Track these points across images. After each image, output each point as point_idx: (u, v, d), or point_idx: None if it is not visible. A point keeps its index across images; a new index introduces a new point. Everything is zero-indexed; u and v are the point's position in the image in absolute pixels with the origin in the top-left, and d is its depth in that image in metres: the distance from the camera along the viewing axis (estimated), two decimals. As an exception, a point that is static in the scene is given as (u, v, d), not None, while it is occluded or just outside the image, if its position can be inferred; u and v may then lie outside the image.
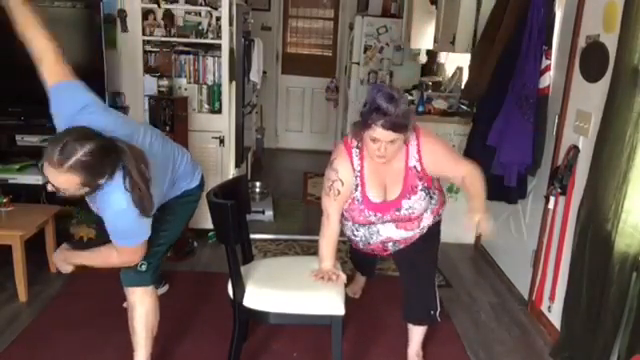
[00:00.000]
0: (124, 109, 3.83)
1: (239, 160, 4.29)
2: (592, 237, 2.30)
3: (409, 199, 2.21)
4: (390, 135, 1.99)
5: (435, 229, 2.41)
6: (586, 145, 2.56)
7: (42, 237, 3.06)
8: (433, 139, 2.24)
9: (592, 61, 2.53)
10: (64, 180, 1.69)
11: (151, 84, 3.63)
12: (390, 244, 2.35)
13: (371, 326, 2.83)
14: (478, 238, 3.97)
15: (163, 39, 3.67)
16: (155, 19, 3.65)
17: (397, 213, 2.23)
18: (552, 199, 2.78)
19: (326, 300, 2.17)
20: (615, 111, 2.16)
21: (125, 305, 2.24)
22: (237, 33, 3.91)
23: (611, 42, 2.32)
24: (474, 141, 3.41)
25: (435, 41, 4.68)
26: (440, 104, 4.16)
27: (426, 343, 2.57)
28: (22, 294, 2.87)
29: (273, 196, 4.73)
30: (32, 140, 3.42)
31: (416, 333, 2.49)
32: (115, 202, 1.79)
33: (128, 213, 1.79)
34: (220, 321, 2.61)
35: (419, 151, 2.17)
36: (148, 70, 3.70)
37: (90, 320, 2.73)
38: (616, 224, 2.15)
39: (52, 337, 2.58)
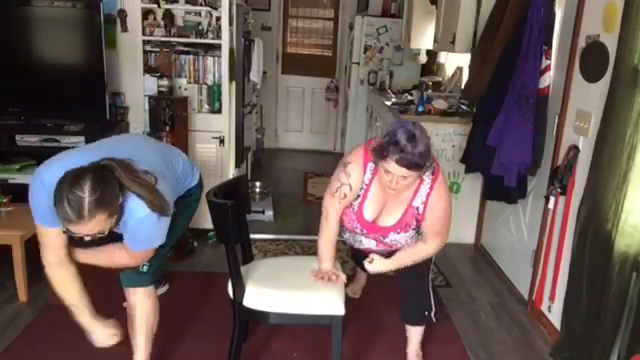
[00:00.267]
0: (124, 109, 3.84)
1: (239, 160, 4.29)
2: (592, 237, 2.30)
3: (398, 234, 2.24)
4: (404, 172, 1.99)
5: None
6: (586, 145, 2.56)
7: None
8: (446, 192, 2.23)
9: (592, 61, 2.53)
10: (94, 225, 1.68)
11: (151, 84, 3.62)
12: (374, 249, 2.37)
13: (371, 326, 2.83)
14: (478, 238, 3.98)
15: (163, 39, 3.67)
16: (155, 19, 3.64)
17: (381, 238, 2.28)
18: (552, 199, 2.78)
19: (326, 300, 2.17)
20: (615, 111, 2.16)
21: (125, 305, 2.24)
22: (237, 33, 3.91)
23: (611, 42, 2.32)
24: (474, 141, 3.41)
25: (435, 41, 4.68)
26: (440, 104, 4.15)
27: (426, 343, 2.57)
28: (22, 294, 2.87)
29: (273, 196, 4.73)
30: (32, 140, 3.41)
31: (414, 333, 2.50)
32: (136, 210, 1.79)
33: (150, 218, 1.80)
34: (220, 321, 2.61)
35: (429, 194, 2.16)
36: (148, 70, 3.70)
37: (90, 320, 2.73)
38: (616, 224, 2.16)
39: (52, 337, 2.58)
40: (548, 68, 2.89)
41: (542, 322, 2.93)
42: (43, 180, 1.79)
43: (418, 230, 2.26)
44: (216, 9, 3.62)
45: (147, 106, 3.54)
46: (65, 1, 3.37)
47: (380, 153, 2.02)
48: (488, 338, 2.82)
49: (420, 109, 4.13)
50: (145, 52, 3.69)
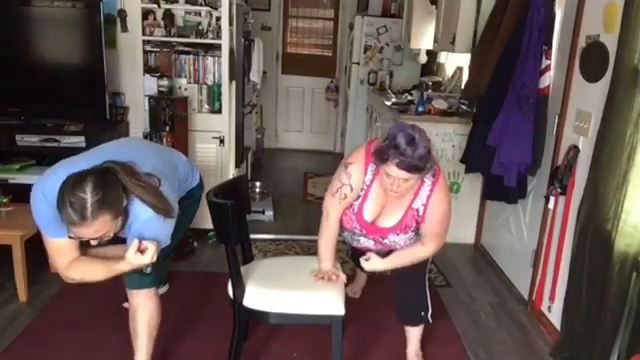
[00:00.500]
0: (124, 109, 3.84)
1: (239, 160, 4.29)
2: (592, 237, 2.30)
3: (397, 235, 2.24)
4: (404, 175, 1.99)
5: None
6: (586, 145, 2.56)
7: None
8: (446, 194, 2.23)
9: (592, 61, 2.53)
10: (99, 227, 1.68)
11: (151, 84, 3.63)
12: (372, 248, 2.37)
13: (371, 326, 2.83)
14: (478, 238, 3.98)
15: (163, 39, 3.67)
16: (155, 19, 3.64)
17: (380, 239, 2.28)
18: (552, 199, 2.78)
19: (326, 300, 2.17)
20: (615, 111, 2.16)
21: (125, 305, 2.24)
22: (237, 33, 3.91)
23: (611, 42, 2.32)
24: (474, 141, 3.41)
25: (435, 41, 4.68)
26: (440, 104, 4.15)
27: (426, 343, 2.57)
28: (22, 294, 2.87)
29: (273, 196, 4.73)
30: (32, 140, 3.41)
31: (412, 334, 2.51)
32: (141, 213, 1.79)
33: (155, 219, 1.80)
34: (220, 321, 2.61)
35: (429, 197, 2.16)
36: (148, 70, 3.70)
37: (90, 320, 2.73)
38: (616, 224, 2.15)
39: (52, 337, 2.58)
40: (548, 68, 2.89)
41: (542, 322, 2.93)
42: (44, 190, 1.78)
43: (417, 232, 2.26)
44: (216, 9, 3.62)
45: (147, 106, 3.54)
46: (65, 1, 3.37)
47: (380, 157, 2.02)
48: (488, 338, 2.82)
49: (420, 109, 4.13)
50: (145, 52, 3.69)
